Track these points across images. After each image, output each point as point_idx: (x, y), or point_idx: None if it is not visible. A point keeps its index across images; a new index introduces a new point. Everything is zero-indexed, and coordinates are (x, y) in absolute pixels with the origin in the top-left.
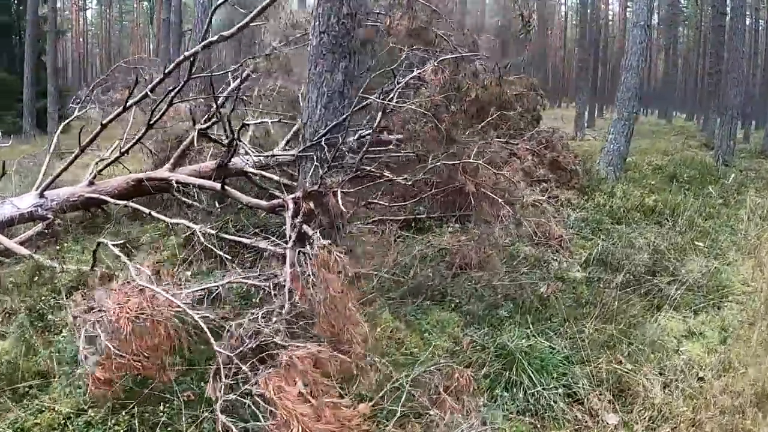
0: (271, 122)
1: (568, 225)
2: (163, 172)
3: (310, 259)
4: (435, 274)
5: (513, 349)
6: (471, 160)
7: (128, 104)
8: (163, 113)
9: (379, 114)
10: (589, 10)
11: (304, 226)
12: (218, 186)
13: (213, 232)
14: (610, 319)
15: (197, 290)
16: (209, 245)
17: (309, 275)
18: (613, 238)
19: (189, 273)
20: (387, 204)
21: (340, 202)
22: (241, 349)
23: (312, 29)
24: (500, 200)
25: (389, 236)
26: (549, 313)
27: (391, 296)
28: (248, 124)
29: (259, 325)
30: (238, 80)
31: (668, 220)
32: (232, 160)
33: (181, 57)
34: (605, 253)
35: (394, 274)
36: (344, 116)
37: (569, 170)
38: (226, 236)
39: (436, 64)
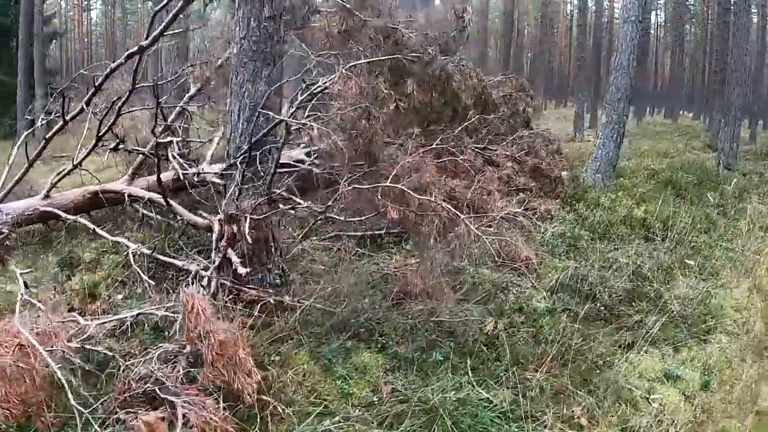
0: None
1: (543, 242)
2: (117, 185)
3: (219, 289)
4: (367, 305)
5: (437, 403)
6: (389, 184)
7: (68, 118)
8: (112, 124)
9: (284, 131)
10: (592, 8)
11: (229, 250)
12: (163, 200)
13: (148, 252)
14: (570, 361)
15: (107, 321)
16: (137, 267)
17: (199, 312)
18: (592, 257)
19: (120, 296)
20: (344, 218)
21: (247, 229)
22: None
23: (233, 36)
24: (461, 216)
25: (344, 254)
26: (495, 355)
27: (315, 331)
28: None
29: (152, 367)
30: (188, 95)
31: (657, 235)
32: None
33: (108, 69)
34: (577, 276)
35: (327, 303)
36: (265, 130)
37: (553, 178)
38: (160, 257)
39: (344, 71)
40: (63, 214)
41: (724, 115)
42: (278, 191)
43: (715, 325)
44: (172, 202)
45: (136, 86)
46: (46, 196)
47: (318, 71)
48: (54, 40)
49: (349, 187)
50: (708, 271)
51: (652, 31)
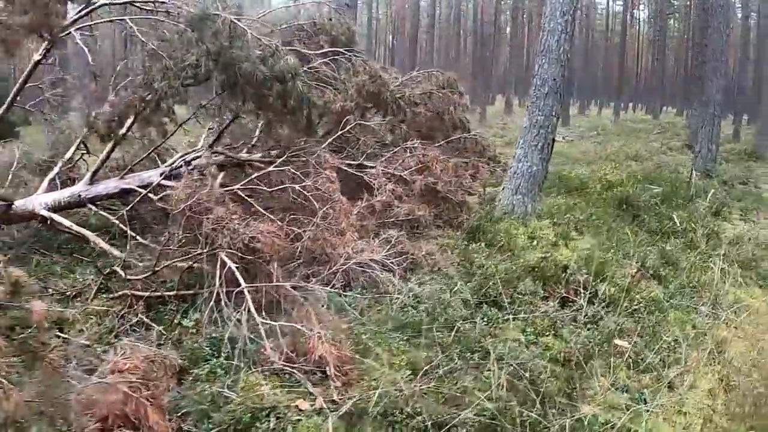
0: None
1: (382, 319)
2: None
3: None
4: None
5: None
6: None
7: None
8: None
9: None
10: None
11: None
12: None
13: None
14: None
15: None
16: None
17: None
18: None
19: None
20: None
21: None
22: None
23: None
24: (242, 283)
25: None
26: None
27: None
28: None
29: None
30: None
31: (582, 294)
32: None
33: None
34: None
35: None
36: None
37: (455, 202)
38: None
39: None
40: None
41: (702, 113)
42: None
43: None
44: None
45: None
46: None
47: None
48: None
49: None
50: (648, 360)
51: (636, 27)
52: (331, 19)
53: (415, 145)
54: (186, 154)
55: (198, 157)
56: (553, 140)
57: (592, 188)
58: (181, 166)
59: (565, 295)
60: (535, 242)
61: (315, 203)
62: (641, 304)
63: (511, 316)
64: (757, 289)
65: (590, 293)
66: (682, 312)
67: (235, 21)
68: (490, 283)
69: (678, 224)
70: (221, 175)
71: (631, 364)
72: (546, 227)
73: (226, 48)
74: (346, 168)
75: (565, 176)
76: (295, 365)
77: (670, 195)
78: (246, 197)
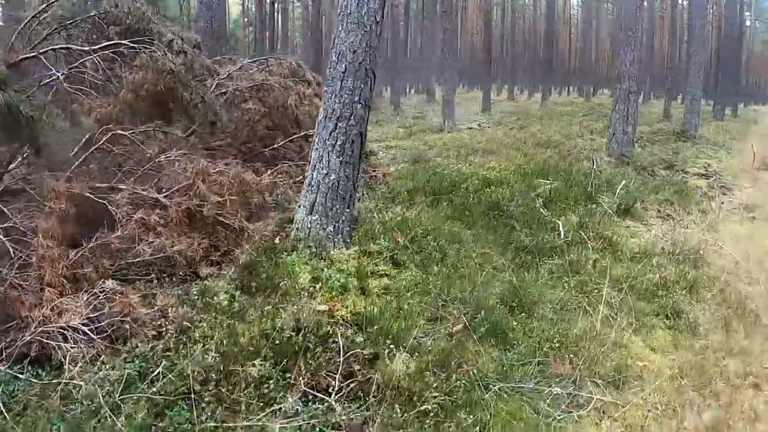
0: None
1: None
2: None
3: None
4: None
5: None
6: None
7: None
8: None
9: None
10: None
11: None
12: None
13: None
14: None
15: None
16: None
17: None
18: None
19: None
20: None
21: None
22: None
23: None
24: None
25: None
26: None
27: None
28: None
29: None
30: None
31: (333, 387)
32: None
33: None
34: None
35: None
36: None
37: (234, 228)
38: None
39: None
40: None
41: (615, 89)
42: None
43: None
44: None
45: None
46: None
47: None
48: None
49: None
50: None
51: (568, 8)
52: (129, 8)
53: (178, 156)
54: None
55: None
56: (362, 136)
57: (463, 189)
58: None
59: (315, 383)
60: (319, 285)
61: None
62: (451, 395)
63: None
64: (660, 332)
65: (360, 377)
66: (520, 401)
67: None
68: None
69: (562, 235)
70: None
71: None
72: (352, 258)
73: None
74: (90, 194)
75: (437, 174)
76: None
77: (566, 191)
78: None
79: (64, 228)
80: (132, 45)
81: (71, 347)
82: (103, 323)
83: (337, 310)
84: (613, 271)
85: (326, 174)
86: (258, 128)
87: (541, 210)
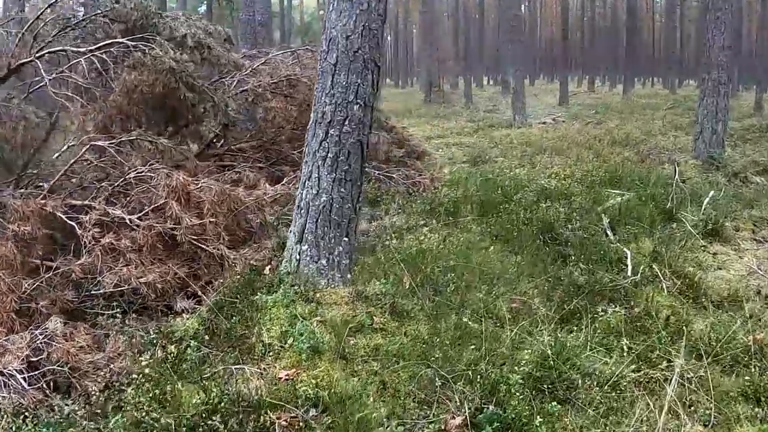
0: None
1: None
2: None
3: None
4: None
5: None
6: None
7: None
8: None
9: None
10: None
11: None
12: None
13: None
14: None
15: None
16: None
17: None
18: None
19: None
20: None
21: None
22: None
23: None
24: None
25: None
26: None
27: None
28: None
29: None
30: None
31: None
32: None
33: None
34: None
35: None
36: None
37: (215, 255)
38: None
39: None
40: None
41: (703, 80)
42: None
43: None
44: None
45: None
46: None
47: None
48: None
49: None
50: None
51: None
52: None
53: (159, 169)
54: None
55: None
56: (362, 145)
57: (514, 203)
58: None
59: None
60: (288, 342)
61: None
62: None
63: None
64: (746, 429)
65: None
66: None
67: None
68: None
69: (629, 272)
70: None
71: None
72: (345, 302)
73: None
74: (64, 213)
75: (489, 181)
76: None
77: (641, 207)
78: None
79: (27, 254)
80: (128, 43)
81: (3, 397)
82: (42, 370)
83: (301, 381)
84: (692, 325)
85: (316, 194)
86: (285, 127)
87: (607, 232)
